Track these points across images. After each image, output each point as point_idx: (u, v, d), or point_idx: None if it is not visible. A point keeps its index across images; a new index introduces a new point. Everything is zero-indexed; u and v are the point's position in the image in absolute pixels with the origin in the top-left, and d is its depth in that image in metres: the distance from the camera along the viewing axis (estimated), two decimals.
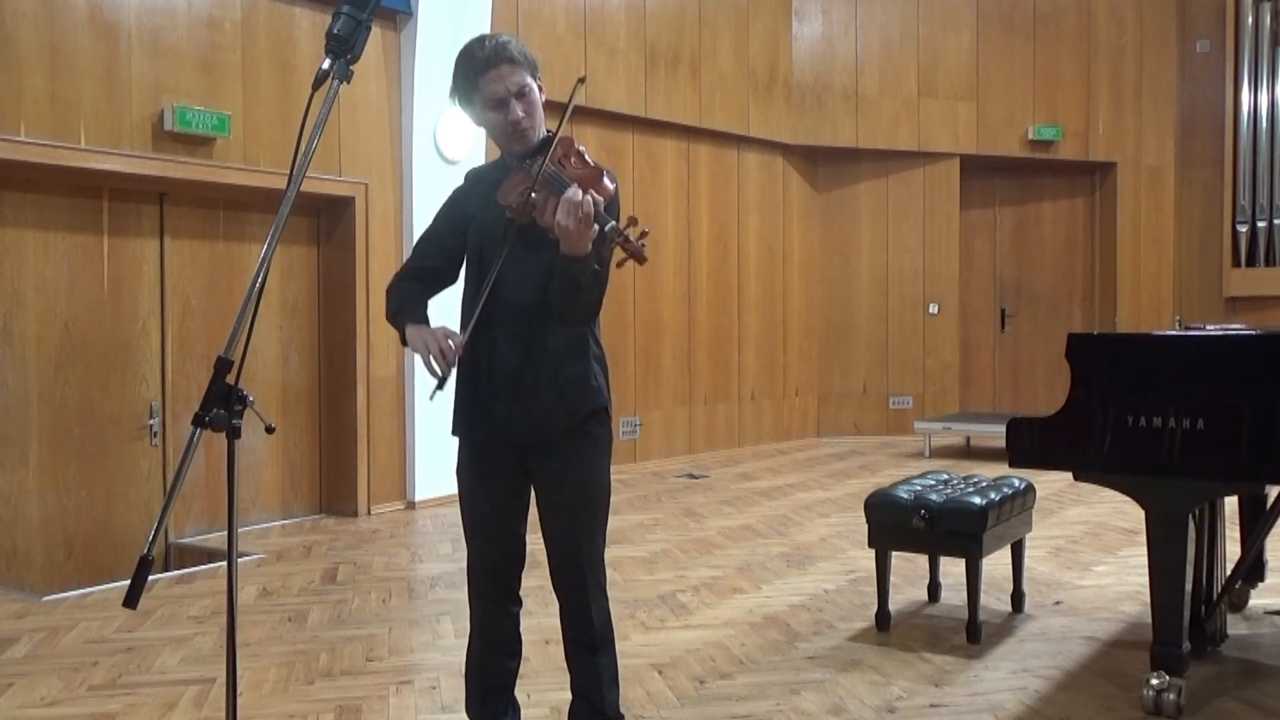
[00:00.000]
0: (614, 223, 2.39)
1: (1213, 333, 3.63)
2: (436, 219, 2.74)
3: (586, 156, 2.54)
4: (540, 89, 2.60)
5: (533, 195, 2.43)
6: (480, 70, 2.50)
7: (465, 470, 2.70)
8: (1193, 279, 11.21)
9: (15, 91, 5.21)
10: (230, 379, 1.88)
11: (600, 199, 2.37)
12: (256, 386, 6.38)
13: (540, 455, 2.63)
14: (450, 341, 2.45)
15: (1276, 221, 10.61)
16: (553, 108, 2.76)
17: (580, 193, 2.34)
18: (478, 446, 2.66)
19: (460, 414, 2.67)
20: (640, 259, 2.40)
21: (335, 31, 2.01)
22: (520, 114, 2.52)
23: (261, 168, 6.19)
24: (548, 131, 2.60)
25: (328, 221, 6.88)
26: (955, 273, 10.64)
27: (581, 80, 2.56)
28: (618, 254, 2.44)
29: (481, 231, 2.60)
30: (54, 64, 5.35)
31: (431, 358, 2.43)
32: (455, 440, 2.70)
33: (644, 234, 2.40)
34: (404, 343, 2.60)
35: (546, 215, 2.43)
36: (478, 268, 2.59)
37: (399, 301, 2.67)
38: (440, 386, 2.42)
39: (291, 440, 6.72)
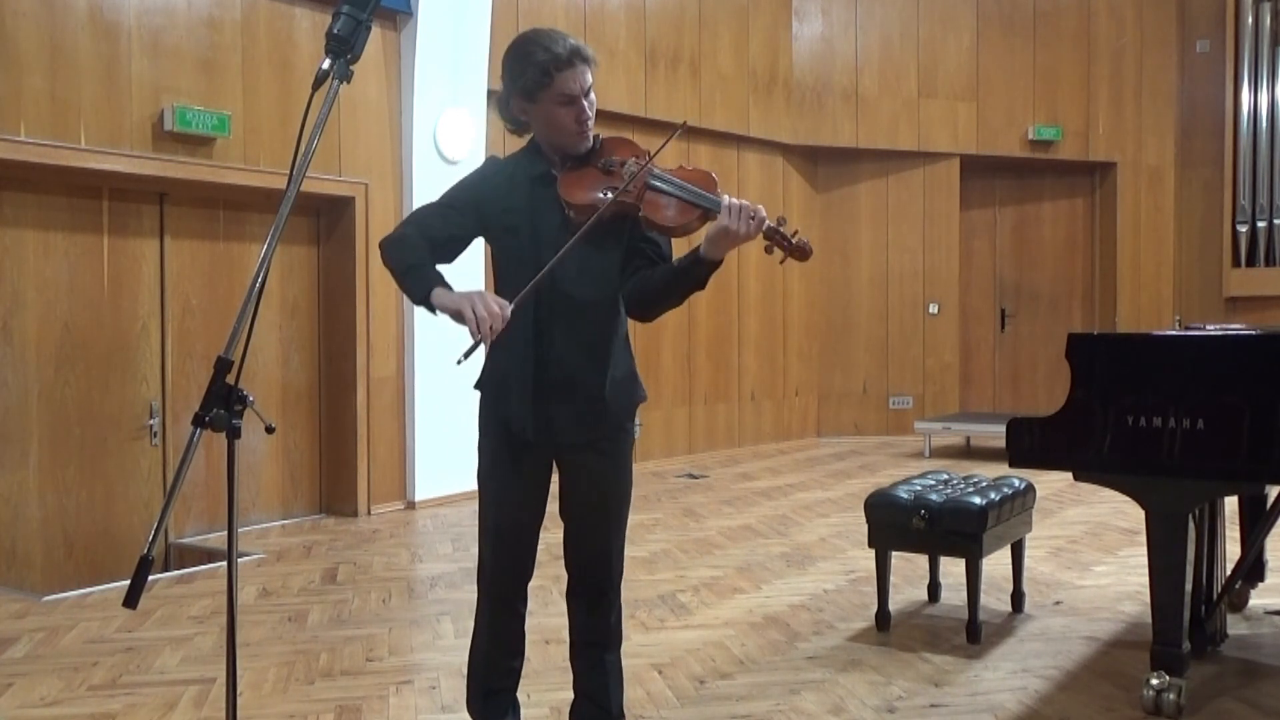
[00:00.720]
0: (771, 224, 2.42)
1: (1213, 333, 3.62)
2: (456, 196, 2.61)
3: None
4: None
5: (628, 195, 2.46)
6: (561, 66, 2.48)
7: (493, 472, 2.65)
8: (1193, 279, 11.20)
9: (15, 91, 5.21)
10: (230, 379, 1.88)
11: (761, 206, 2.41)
12: (256, 386, 6.38)
13: (578, 453, 2.61)
14: (497, 306, 2.30)
15: (1276, 221, 10.60)
16: None
17: (740, 200, 2.38)
18: (514, 446, 2.60)
19: (496, 411, 2.61)
20: (805, 254, 2.43)
21: (335, 31, 2.01)
22: (589, 113, 2.55)
23: (261, 168, 6.19)
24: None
25: (328, 221, 6.88)
26: (955, 273, 10.64)
27: (684, 125, 2.57)
28: (777, 253, 2.45)
29: (531, 226, 2.54)
30: (54, 64, 5.35)
31: (479, 320, 2.26)
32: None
33: (796, 231, 2.44)
34: (419, 301, 2.41)
35: (659, 212, 2.47)
36: (531, 263, 2.45)
37: (414, 255, 2.47)
38: (471, 352, 2.28)
39: (291, 440, 6.72)
